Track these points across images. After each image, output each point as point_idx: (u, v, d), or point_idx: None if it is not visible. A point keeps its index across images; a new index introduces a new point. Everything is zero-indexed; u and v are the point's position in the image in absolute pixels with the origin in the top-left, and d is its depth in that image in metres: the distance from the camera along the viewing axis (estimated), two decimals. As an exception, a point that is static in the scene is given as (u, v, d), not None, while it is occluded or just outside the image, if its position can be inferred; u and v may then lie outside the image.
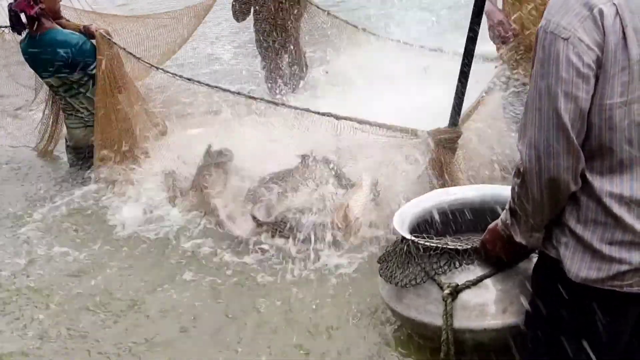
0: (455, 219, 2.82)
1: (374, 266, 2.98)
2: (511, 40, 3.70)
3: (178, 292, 3.36)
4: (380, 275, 2.69)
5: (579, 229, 1.82)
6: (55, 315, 3.27)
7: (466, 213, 2.81)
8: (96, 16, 5.06)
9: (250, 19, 5.59)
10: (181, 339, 3.04)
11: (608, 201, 1.77)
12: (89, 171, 4.57)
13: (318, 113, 3.60)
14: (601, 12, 1.67)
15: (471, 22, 2.91)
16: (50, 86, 4.70)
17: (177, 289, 3.39)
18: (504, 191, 2.75)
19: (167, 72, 4.38)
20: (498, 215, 2.12)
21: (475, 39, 2.97)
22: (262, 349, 2.92)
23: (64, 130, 4.96)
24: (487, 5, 3.12)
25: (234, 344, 2.97)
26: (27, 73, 5.05)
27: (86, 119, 4.62)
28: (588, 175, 1.78)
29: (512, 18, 3.74)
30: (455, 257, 2.45)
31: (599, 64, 1.68)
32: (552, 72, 1.70)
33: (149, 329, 3.11)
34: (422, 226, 2.77)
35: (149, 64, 4.41)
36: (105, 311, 3.26)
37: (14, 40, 4.78)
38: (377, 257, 2.85)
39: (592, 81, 1.69)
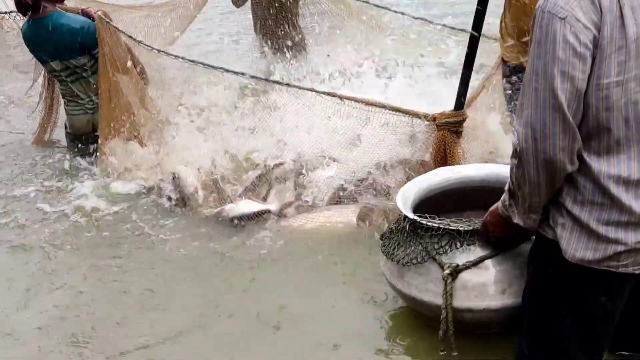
0: (457, 198, 2.80)
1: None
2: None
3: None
4: (382, 252, 2.69)
5: (575, 210, 1.82)
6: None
7: (468, 192, 2.80)
8: (98, 5, 4.93)
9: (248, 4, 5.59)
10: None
11: (606, 182, 1.77)
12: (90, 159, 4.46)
13: (323, 93, 3.54)
14: None
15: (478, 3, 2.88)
16: (51, 71, 4.55)
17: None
18: (507, 170, 2.73)
19: (170, 54, 4.23)
20: (500, 194, 2.12)
21: (482, 20, 2.93)
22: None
23: (63, 117, 4.83)
24: None
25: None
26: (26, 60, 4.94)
27: (87, 106, 4.52)
28: (585, 156, 1.78)
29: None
30: (457, 237, 2.44)
31: (596, 43, 1.67)
32: (548, 51, 1.69)
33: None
34: (425, 204, 2.75)
35: (150, 46, 4.28)
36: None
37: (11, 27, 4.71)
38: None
39: (589, 61, 1.68)
